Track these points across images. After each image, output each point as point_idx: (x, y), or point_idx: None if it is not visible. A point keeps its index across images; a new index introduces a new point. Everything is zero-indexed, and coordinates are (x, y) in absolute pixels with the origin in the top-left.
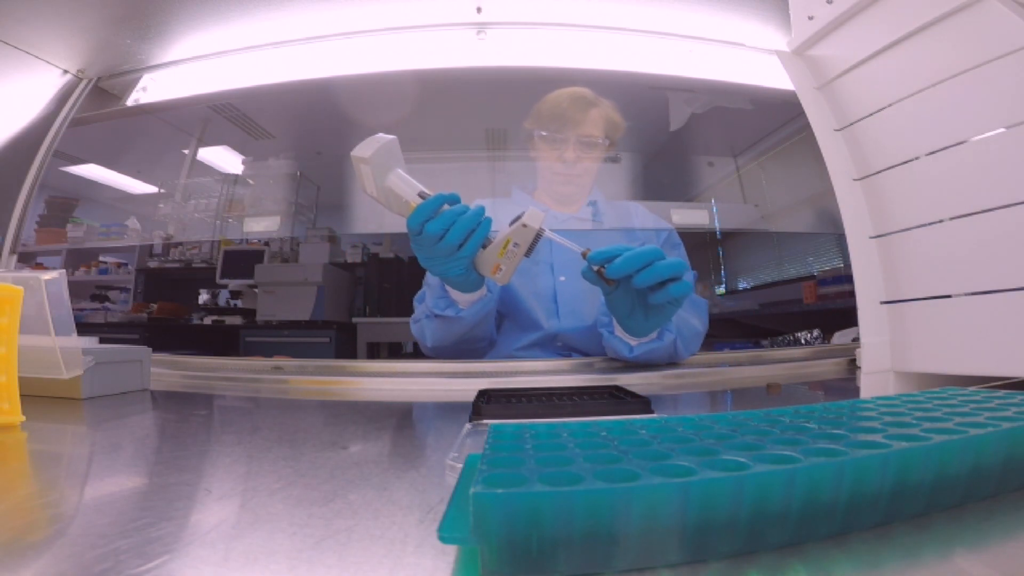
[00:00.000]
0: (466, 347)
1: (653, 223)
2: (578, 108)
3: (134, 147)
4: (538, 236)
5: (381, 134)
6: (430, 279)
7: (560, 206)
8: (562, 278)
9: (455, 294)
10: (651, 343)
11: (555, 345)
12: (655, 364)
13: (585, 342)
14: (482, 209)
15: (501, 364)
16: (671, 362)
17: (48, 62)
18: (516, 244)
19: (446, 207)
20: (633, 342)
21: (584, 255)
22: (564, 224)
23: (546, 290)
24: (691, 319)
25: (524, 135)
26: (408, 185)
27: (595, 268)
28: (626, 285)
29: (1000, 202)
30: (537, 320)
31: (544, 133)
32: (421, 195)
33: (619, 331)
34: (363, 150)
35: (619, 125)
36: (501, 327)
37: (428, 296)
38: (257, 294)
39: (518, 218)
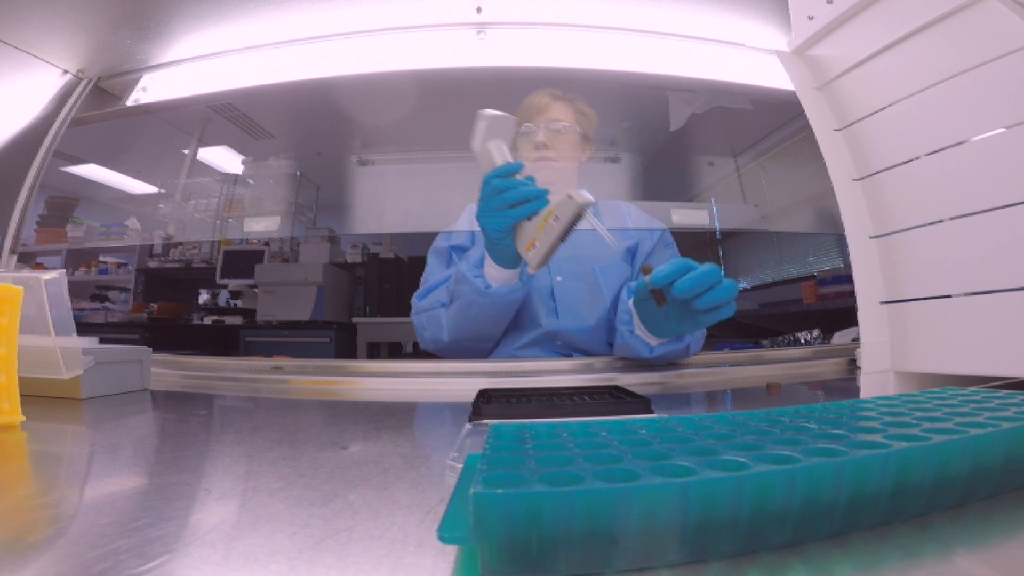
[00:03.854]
0: (475, 344)
1: (646, 222)
2: (544, 98)
3: (134, 147)
4: (578, 216)
5: (505, 113)
6: (471, 256)
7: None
8: (559, 278)
9: (489, 268)
10: (671, 344)
11: (555, 344)
12: (653, 363)
13: (585, 341)
14: (546, 192)
15: (501, 364)
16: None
17: (48, 62)
18: (556, 218)
19: (518, 176)
20: (654, 342)
21: (645, 271)
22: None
23: (544, 289)
24: None
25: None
26: (500, 152)
27: (655, 289)
28: (675, 300)
29: (1000, 202)
30: (536, 318)
31: (520, 130)
32: (506, 162)
33: (640, 330)
34: (487, 112)
35: (589, 114)
36: None
37: (463, 265)
38: (257, 294)
39: (566, 195)
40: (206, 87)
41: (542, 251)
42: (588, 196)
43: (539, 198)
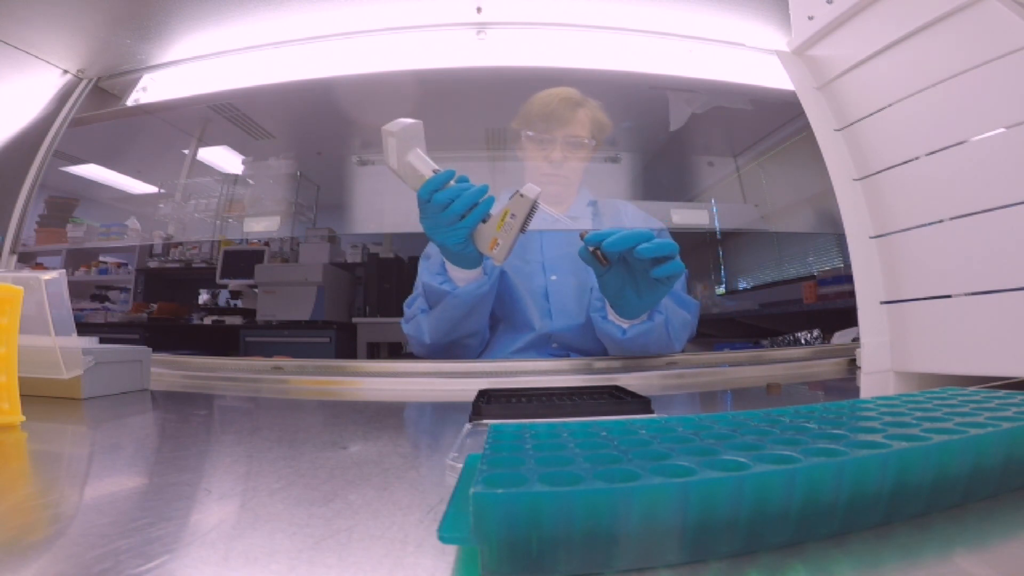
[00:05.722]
0: (460, 342)
1: (643, 221)
2: (566, 108)
3: (134, 147)
4: (534, 208)
5: (409, 119)
6: (431, 259)
7: (549, 206)
8: (553, 277)
9: (453, 271)
10: (642, 324)
11: (550, 346)
12: (653, 363)
13: (579, 339)
14: (486, 187)
15: (501, 364)
16: (664, 352)
17: (48, 62)
18: (513, 215)
19: (453, 183)
20: (625, 324)
21: (582, 236)
22: (556, 224)
23: (539, 289)
24: (680, 311)
25: (511, 135)
26: (424, 162)
27: (591, 248)
28: (620, 265)
29: (1000, 202)
30: (529, 320)
31: (531, 133)
32: (435, 171)
33: (612, 315)
34: (392, 126)
35: (605, 125)
36: (496, 329)
37: (425, 274)
38: (257, 294)
39: (516, 192)
40: (206, 87)
41: (506, 248)
42: (536, 188)
43: (485, 199)
